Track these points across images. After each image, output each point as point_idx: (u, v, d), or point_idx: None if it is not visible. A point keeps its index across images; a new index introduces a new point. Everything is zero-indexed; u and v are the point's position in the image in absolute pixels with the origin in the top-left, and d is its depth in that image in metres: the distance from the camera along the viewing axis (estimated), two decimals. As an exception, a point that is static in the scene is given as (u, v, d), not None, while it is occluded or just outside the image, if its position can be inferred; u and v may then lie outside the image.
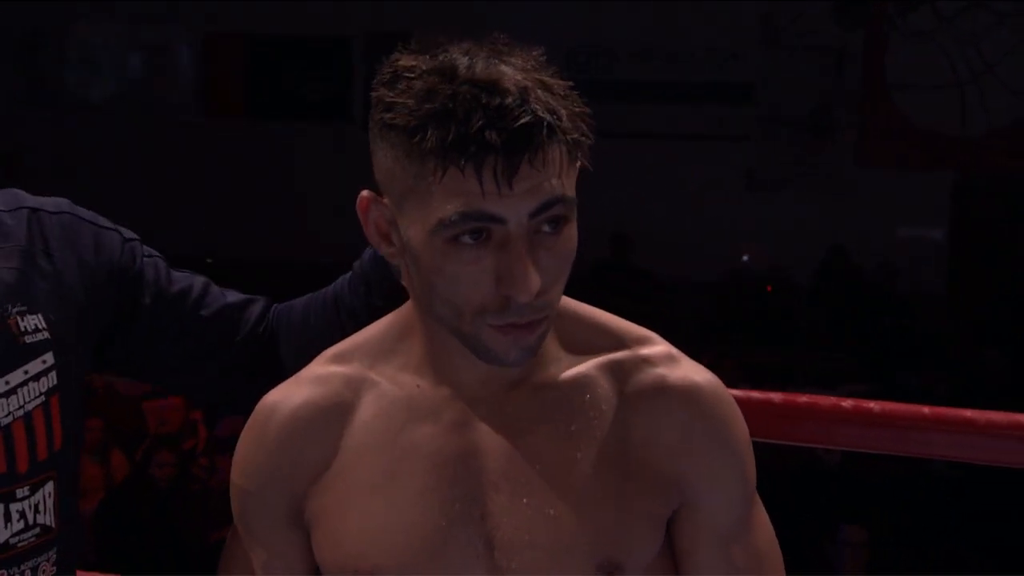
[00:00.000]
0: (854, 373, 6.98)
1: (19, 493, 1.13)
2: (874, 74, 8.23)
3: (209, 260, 6.40)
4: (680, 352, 1.16)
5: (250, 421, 1.18)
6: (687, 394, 1.12)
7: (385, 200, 1.06)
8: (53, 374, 1.16)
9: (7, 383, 1.13)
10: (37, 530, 1.15)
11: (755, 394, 1.46)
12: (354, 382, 1.14)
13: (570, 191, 1.04)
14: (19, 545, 1.14)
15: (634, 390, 1.13)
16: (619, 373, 1.13)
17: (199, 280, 1.30)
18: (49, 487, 1.16)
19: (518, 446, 1.10)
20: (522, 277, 1.01)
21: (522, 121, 0.99)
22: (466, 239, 1.01)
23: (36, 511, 1.15)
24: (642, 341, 1.15)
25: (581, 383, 1.12)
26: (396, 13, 8.71)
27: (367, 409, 1.13)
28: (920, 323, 7.61)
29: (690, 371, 1.14)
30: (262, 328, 1.30)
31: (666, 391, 1.12)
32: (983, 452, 1.44)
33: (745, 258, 8.36)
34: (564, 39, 8.32)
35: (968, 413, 1.40)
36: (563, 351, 1.14)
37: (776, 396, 1.46)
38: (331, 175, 8.87)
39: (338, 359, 1.16)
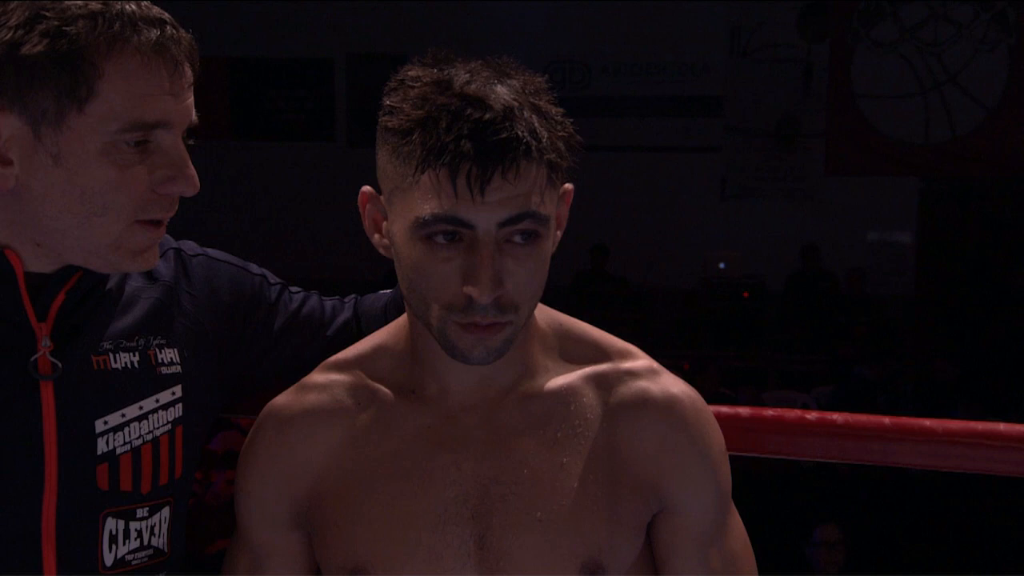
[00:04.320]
0: (824, 374, 7.03)
1: (139, 513, 1.19)
2: (840, 84, 8.32)
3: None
4: (660, 366, 1.23)
5: (255, 426, 1.24)
6: (667, 406, 1.19)
7: (381, 197, 1.15)
8: (180, 406, 1.22)
9: (140, 408, 1.19)
10: (151, 551, 1.21)
11: (723, 408, 1.50)
12: (353, 389, 1.21)
13: (545, 209, 1.10)
14: (133, 563, 1.20)
15: (617, 401, 1.19)
16: (603, 384, 1.20)
17: (313, 299, 1.37)
18: (166, 512, 1.22)
19: (507, 452, 1.17)
20: (483, 279, 1.08)
21: (500, 136, 1.06)
22: (439, 239, 1.09)
23: (152, 533, 1.20)
24: (625, 354, 1.22)
25: (567, 393, 1.19)
26: (377, 35, 8.74)
27: (366, 415, 1.20)
28: (889, 324, 7.68)
29: (670, 384, 1.21)
30: (355, 324, 1.37)
31: (648, 403, 1.19)
32: (942, 459, 1.45)
33: (721, 265, 8.42)
34: (539, 59, 8.39)
35: (927, 422, 1.44)
36: (550, 362, 1.21)
37: (743, 410, 1.49)
38: (314, 193, 8.89)
39: (339, 367, 1.23)
